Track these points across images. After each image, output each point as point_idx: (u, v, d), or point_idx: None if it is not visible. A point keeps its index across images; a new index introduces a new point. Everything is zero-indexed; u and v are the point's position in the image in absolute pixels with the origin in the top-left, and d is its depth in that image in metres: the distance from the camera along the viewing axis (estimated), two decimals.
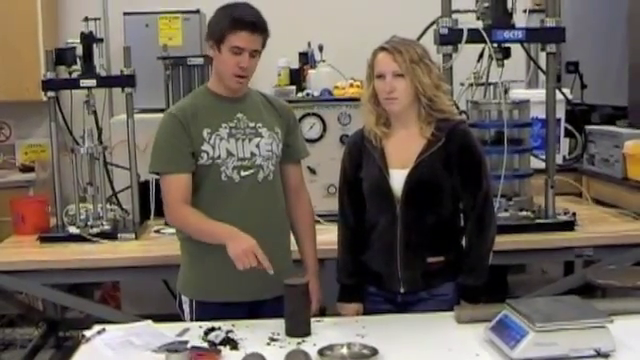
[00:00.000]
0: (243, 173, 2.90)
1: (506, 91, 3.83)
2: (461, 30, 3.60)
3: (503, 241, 3.40)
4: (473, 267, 2.84)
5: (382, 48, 2.81)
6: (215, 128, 2.89)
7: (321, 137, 4.15)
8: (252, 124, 2.94)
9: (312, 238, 3.10)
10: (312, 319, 2.67)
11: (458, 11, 3.72)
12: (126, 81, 4.07)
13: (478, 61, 4.06)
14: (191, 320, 2.91)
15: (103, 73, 4.28)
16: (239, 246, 2.64)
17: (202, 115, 2.90)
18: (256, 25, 2.83)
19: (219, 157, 2.88)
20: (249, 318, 2.80)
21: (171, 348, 2.38)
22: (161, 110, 4.31)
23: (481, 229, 2.84)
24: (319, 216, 3.99)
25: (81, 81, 4.04)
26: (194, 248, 2.93)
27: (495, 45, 3.71)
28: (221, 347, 2.48)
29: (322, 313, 3.09)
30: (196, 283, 2.96)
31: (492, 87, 4.04)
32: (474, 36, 3.61)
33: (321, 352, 2.37)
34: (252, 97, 3.02)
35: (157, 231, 4.14)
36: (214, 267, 2.86)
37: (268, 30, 2.88)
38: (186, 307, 2.97)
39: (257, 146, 2.93)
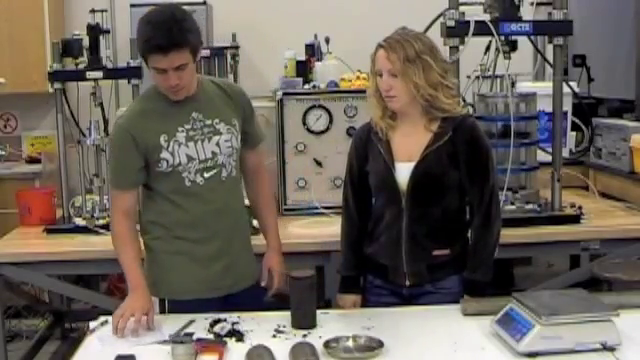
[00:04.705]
0: (206, 175, 2.84)
1: (513, 84, 3.83)
2: (468, 22, 3.58)
3: (509, 234, 3.39)
4: (479, 263, 2.82)
5: (380, 45, 2.77)
6: (172, 133, 2.79)
7: (327, 129, 4.14)
8: (209, 122, 2.85)
9: (273, 213, 3.10)
10: (318, 311, 2.66)
11: (465, 3, 3.71)
12: (132, 73, 4.06)
13: (485, 54, 4.05)
14: None
15: (109, 65, 4.27)
16: (128, 304, 2.66)
17: (155, 121, 2.80)
18: (165, 47, 2.63)
19: (179, 164, 2.80)
20: (223, 310, 2.77)
21: (177, 340, 2.39)
22: None
23: (488, 224, 2.82)
24: (325, 208, 4.01)
25: (87, 73, 4.04)
26: (164, 247, 2.89)
27: (502, 38, 3.70)
28: (227, 339, 2.48)
29: (327, 305, 3.10)
30: (167, 282, 2.89)
31: (499, 80, 4.03)
32: (481, 29, 3.59)
33: (327, 344, 2.37)
34: (205, 90, 2.90)
35: None
36: (185, 265, 2.85)
37: (189, 42, 2.67)
38: (156, 307, 2.85)
39: (217, 144, 2.85)
